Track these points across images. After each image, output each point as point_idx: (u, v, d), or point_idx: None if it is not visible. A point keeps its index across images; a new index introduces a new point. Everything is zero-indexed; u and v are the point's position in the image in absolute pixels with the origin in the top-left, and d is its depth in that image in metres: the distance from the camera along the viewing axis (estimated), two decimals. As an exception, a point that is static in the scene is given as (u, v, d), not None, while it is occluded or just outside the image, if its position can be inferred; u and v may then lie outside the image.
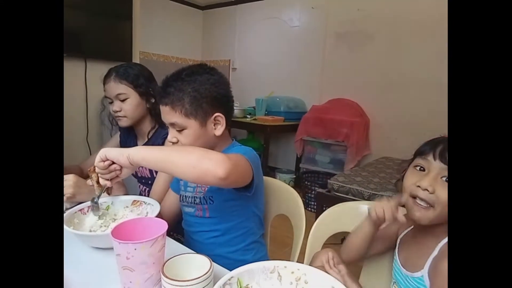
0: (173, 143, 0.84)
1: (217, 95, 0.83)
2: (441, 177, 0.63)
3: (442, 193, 0.62)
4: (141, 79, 1.14)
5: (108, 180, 0.76)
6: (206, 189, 0.88)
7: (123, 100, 1.11)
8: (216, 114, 0.84)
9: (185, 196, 0.93)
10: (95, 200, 0.84)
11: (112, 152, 0.72)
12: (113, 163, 0.73)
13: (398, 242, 0.76)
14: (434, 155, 0.64)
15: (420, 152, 0.68)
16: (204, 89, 0.82)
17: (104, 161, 0.73)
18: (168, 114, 0.82)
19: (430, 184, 0.63)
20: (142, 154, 0.70)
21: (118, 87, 1.11)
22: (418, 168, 0.67)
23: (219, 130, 0.86)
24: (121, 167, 0.74)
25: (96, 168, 0.85)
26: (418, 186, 0.64)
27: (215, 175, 0.63)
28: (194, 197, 0.90)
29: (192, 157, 0.65)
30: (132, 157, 0.70)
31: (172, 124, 0.83)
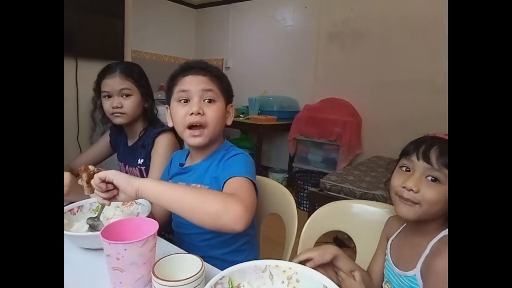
0: (198, 114, 0.79)
1: (231, 88, 0.91)
2: (426, 177, 0.64)
3: (427, 192, 0.63)
4: (143, 79, 1.15)
5: (106, 199, 0.70)
6: None
7: (126, 96, 1.10)
8: (231, 104, 0.91)
9: None
10: (96, 220, 0.81)
11: (120, 179, 0.66)
12: (112, 184, 0.68)
13: (389, 243, 0.77)
14: (417, 155, 0.65)
15: (404, 153, 0.69)
16: (227, 80, 0.90)
17: (105, 182, 0.67)
18: (204, 83, 0.82)
19: (415, 184, 0.64)
20: (155, 191, 0.65)
21: (124, 83, 1.10)
22: (403, 168, 0.68)
23: (230, 120, 0.90)
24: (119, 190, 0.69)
25: (87, 170, 0.84)
26: (404, 187, 0.65)
27: (234, 230, 0.63)
28: None
29: (212, 208, 0.62)
30: (142, 191, 0.65)
31: (207, 92, 0.82)
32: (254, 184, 0.75)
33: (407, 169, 0.68)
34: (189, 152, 0.95)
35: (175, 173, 0.93)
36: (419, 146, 0.66)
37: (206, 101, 0.82)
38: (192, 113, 0.79)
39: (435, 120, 2.14)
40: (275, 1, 3.57)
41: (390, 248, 0.76)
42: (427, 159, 0.64)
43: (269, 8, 3.62)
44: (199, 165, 0.88)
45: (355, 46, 3.04)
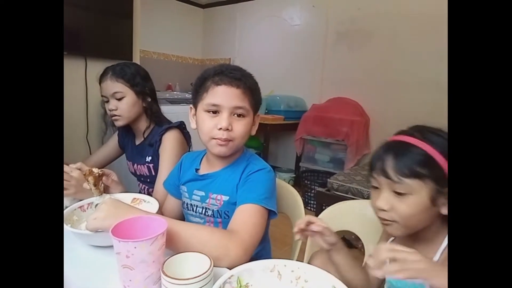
0: (227, 130, 0.77)
1: (260, 97, 0.86)
2: (393, 191, 0.61)
3: (398, 207, 0.60)
4: (137, 78, 1.14)
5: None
6: (223, 202, 0.83)
7: (119, 99, 1.11)
8: (258, 113, 0.86)
9: (191, 204, 0.88)
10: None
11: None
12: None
13: None
14: (377, 171, 0.62)
15: (370, 169, 0.65)
16: (259, 90, 0.85)
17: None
18: (237, 98, 0.77)
19: (385, 202, 0.61)
20: None
21: (115, 86, 1.10)
22: (374, 186, 0.65)
23: (255, 130, 0.87)
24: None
25: (92, 173, 0.85)
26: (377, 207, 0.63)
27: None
28: (205, 208, 0.86)
29: (213, 254, 0.60)
30: None
31: (238, 108, 0.78)
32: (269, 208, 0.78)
33: (376, 186, 0.64)
34: (203, 157, 0.92)
35: (190, 179, 0.89)
36: (377, 159, 0.63)
37: (236, 115, 0.79)
38: (220, 128, 0.77)
39: (443, 120, 2.12)
40: (282, 1, 3.55)
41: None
42: (385, 173, 0.60)
43: (276, 7, 3.61)
44: (219, 174, 0.86)
45: (363, 45, 3.02)
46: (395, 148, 0.61)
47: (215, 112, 0.78)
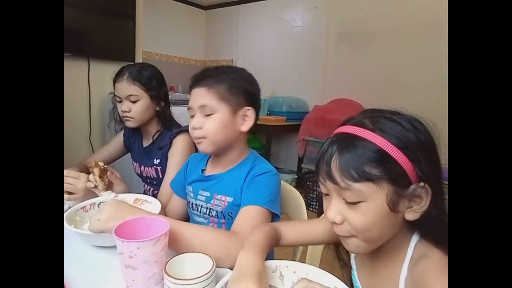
0: (196, 128, 0.81)
1: (252, 90, 0.85)
2: (343, 199, 0.50)
3: (352, 218, 0.50)
4: (153, 82, 1.13)
5: None
6: (227, 203, 0.84)
7: (133, 102, 1.10)
8: (248, 107, 0.84)
9: (196, 204, 0.89)
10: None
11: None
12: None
13: (353, 262, 0.67)
14: (322, 175, 0.51)
15: (316, 171, 0.54)
16: (241, 81, 0.84)
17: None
18: (201, 97, 0.81)
19: (336, 213, 0.51)
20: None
21: (130, 88, 1.09)
22: (324, 193, 0.55)
23: (246, 126, 0.85)
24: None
25: (98, 165, 0.86)
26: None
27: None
28: (209, 208, 0.87)
29: (216, 255, 0.60)
30: None
31: (202, 107, 0.81)
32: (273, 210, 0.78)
33: (326, 192, 0.53)
34: (209, 158, 0.93)
35: (196, 179, 0.91)
36: (321, 159, 0.51)
37: (205, 113, 0.82)
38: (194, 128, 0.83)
39: (446, 121, 2.11)
40: (284, 2, 3.57)
41: (356, 265, 0.66)
42: (331, 178, 0.49)
43: (278, 9, 3.62)
44: (224, 175, 0.87)
45: (365, 46, 3.02)
46: (339, 144, 0.49)
47: (193, 115, 0.84)
